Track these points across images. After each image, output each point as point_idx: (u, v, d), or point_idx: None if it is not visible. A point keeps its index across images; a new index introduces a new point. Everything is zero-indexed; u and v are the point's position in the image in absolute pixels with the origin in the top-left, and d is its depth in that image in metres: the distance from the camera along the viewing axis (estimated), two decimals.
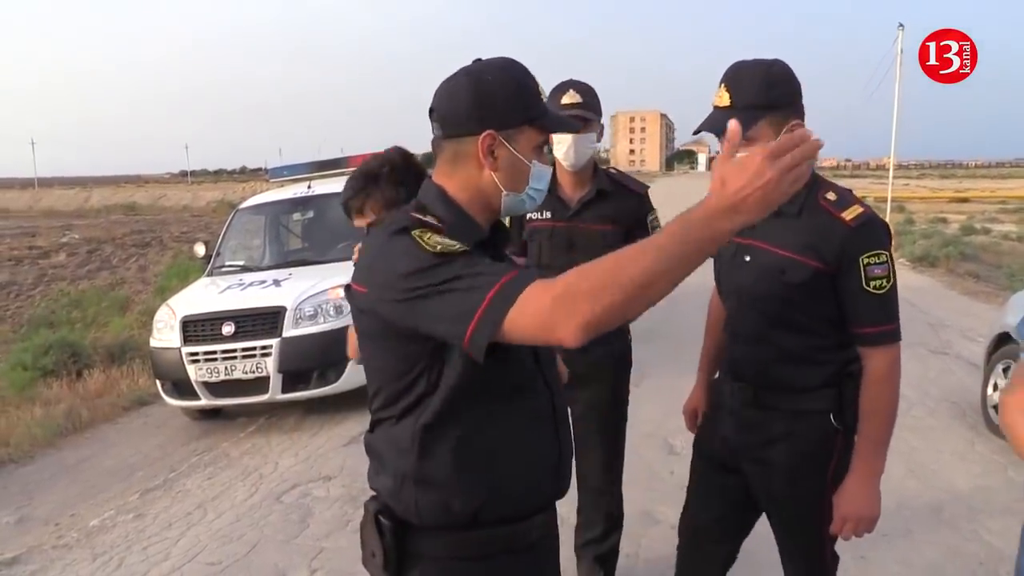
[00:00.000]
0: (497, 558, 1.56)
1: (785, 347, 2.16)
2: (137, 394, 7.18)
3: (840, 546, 3.85)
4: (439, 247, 1.38)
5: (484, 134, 1.50)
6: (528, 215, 3.19)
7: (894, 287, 2.07)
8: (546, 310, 1.25)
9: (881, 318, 2.06)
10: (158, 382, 6.40)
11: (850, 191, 2.17)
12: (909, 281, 12.53)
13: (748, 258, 2.20)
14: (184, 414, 6.56)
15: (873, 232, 2.06)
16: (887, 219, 19.07)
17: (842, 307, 2.08)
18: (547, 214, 3.10)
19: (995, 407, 5.41)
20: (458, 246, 1.40)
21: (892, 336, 2.08)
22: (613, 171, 3.17)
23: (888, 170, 22.65)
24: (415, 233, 1.42)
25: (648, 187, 3.20)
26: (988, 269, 14.16)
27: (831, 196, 2.10)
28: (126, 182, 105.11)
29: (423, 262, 1.37)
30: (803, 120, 2.12)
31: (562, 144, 2.93)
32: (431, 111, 1.57)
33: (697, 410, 2.65)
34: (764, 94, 2.04)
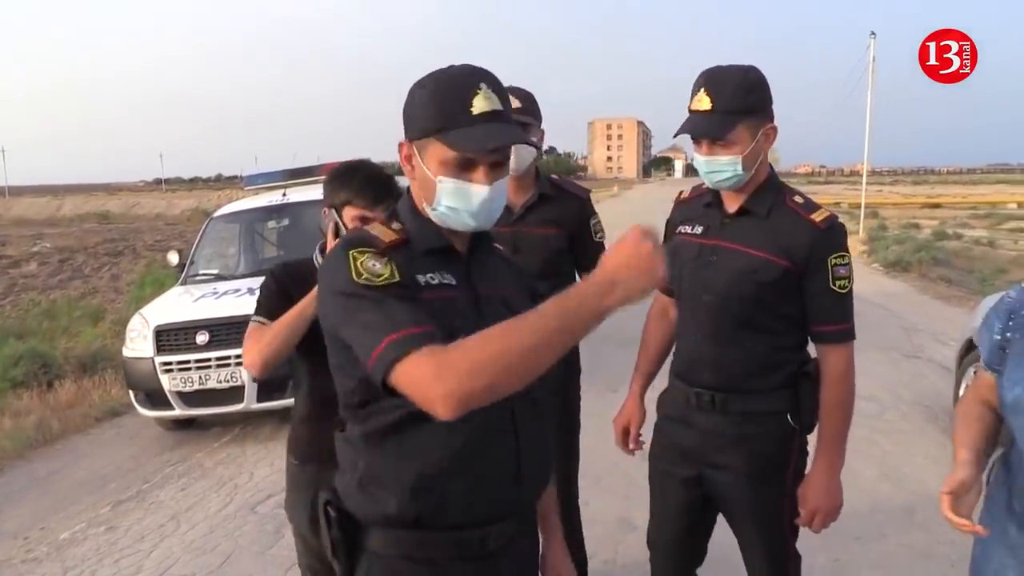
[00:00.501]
0: (446, 564, 1.53)
1: (749, 348, 2.19)
2: (109, 405, 7.09)
3: (814, 548, 3.88)
4: (363, 276, 1.41)
5: (400, 142, 1.55)
6: None
7: (852, 288, 2.17)
8: (425, 379, 1.28)
9: (841, 317, 2.15)
10: (131, 392, 6.32)
11: (811, 198, 2.25)
12: (883, 286, 12.68)
13: (715, 258, 2.22)
14: (157, 424, 6.48)
15: (839, 234, 2.15)
16: (860, 224, 19.27)
17: (806, 306, 2.15)
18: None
19: None
20: (382, 279, 1.41)
21: (850, 334, 2.18)
22: (554, 176, 3.17)
23: (862, 176, 22.93)
24: (353, 253, 1.44)
25: (590, 191, 3.21)
26: (960, 274, 14.35)
27: (798, 199, 2.18)
28: (99, 190, 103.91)
29: (347, 287, 1.41)
30: (775, 124, 2.15)
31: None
32: None
33: (630, 425, 2.59)
34: (742, 99, 2.08)
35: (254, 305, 2.52)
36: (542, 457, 1.66)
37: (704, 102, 2.10)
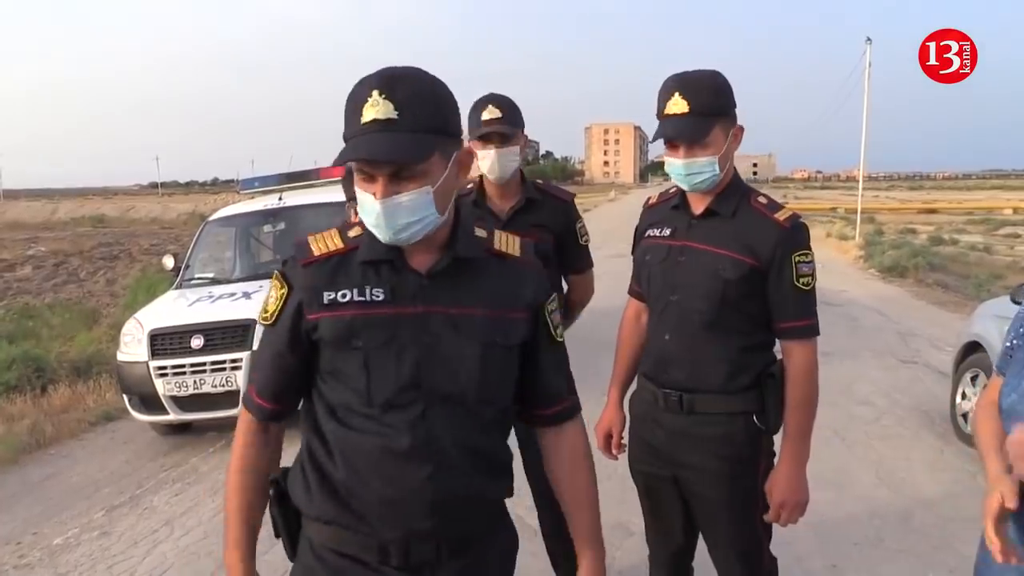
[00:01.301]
0: (376, 567, 1.52)
1: (717, 348, 2.23)
2: (104, 409, 7.05)
3: (811, 553, 3.87)
4: (263, 306, 1.60)
5: None
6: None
7: (815, 287, 2.21)
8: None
9: (805, 313, 2.19)
10: (125, 397, 6.29)
11: (774, 198, 2.32)
12: (879, 291, 12.69)
13: (683, 258, 2.27)
14: (152, 429, 6.44)
15: (802, 233, 2.20)
16: (857, 230, 19.28)
17: (770, 303, 2.19)
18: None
19: (964, 416, 5.47)
20: (268, 312, 1.57)
21: (813, 330, 2.21)
22: (539, 181, 3.22)
23: (858, 182, 22.97)
24: (275, 274, 1.59)
25: (574, 195, 3.26)
26: (956, 279, 14.37)
27: (762, 200, 2.25)
28: (94, 194, 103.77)
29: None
30: (741, 125, 2.24)
31: (486, 159, 2.96)
32: None
33: (611, 430, 2.61)
34: (715, 101, 2.16)
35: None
36: (470, 479, 1.53)
37: (680, 105, 2.14)
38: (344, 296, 1.50)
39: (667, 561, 2.57)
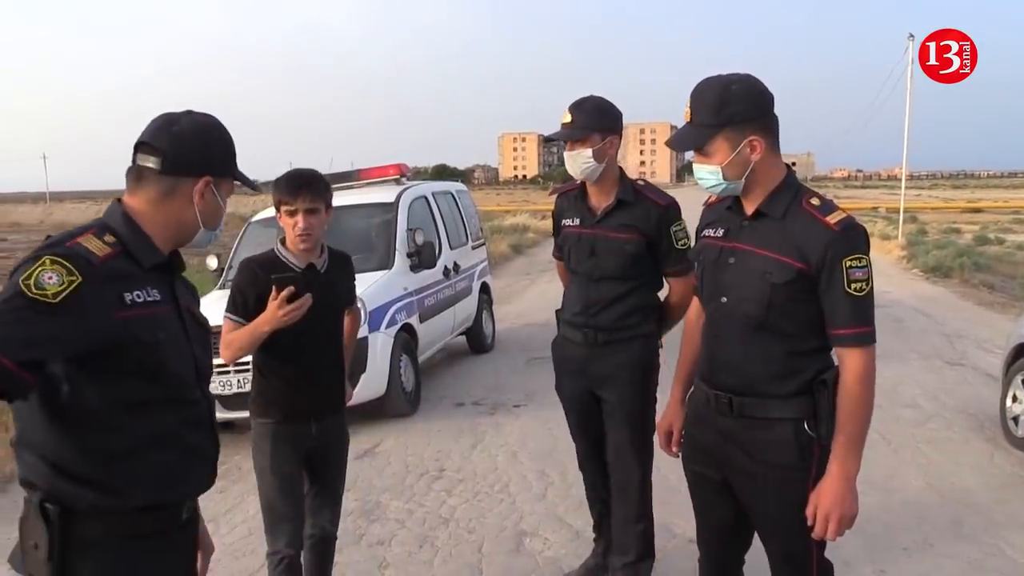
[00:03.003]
0: (154, 537, 1.76)
1: (765, 351, 2.21)
2: None
3: (860, 559, 3.81)
4: (26, 280, 1.56)
5: (204, 179, 1.80)
6: (563, 221, 3.33)
7: (872, 291, 2.12)
8: None
9: (860, 320, 2.11)
10: None
11: (832, 200, 2.25)
12: (923, 292, 12.46)
13: (732, 260, 2.26)
14: None
15: (856, 236, 2.12)
16: (899, 229, 19.00)
17: (823, 309, 2.14)
18: (576, 220, 3.30)
19: (1015, 419, 5.35)
20: (38, 292, 1.55)
21: (869, 338, 2.13)
22: (641, 182, 3.29)
23: (900, 180, 22.58)
24: (47, 259, 1.58)
25: (674, 200, 3.27)
26: (1003, 279, 14.05)
27: (815, 201, 2.18)
28: None
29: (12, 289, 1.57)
30: (765, 133, 2.17)
31: (566, 159, 3.16)
32: (143, 144, 1.78)
33: (672, 427, 2.64)
34: (716, 114, 2.14)
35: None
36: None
37: (687, 114, 2.21)
38: (139, 297, 1.71)
39: (715, 563, 2.55)
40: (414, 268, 7.18)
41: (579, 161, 3.10)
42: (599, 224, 3.21)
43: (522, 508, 4.58)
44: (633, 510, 3.33)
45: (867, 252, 2.14)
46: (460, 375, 8.04)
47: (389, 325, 6.53)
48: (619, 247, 3.15)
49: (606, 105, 3.14)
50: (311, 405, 3.03)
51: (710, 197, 2.50)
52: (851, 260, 2.08)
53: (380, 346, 6.34)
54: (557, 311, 3.49)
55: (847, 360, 2.13)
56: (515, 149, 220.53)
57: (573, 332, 3.32)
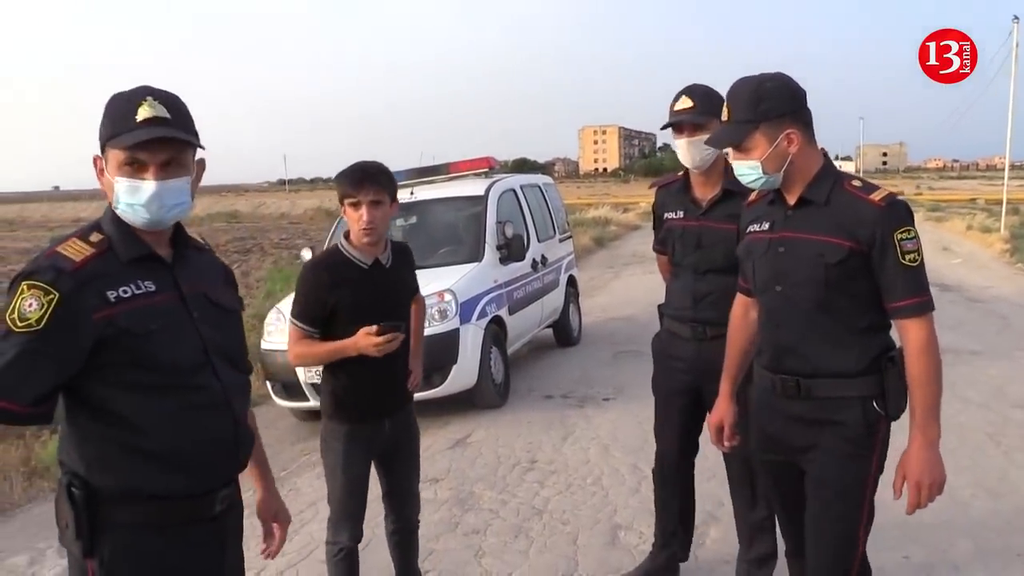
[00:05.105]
0: (182, 526, 1.81)
1: (827, 331, 2.27)
2: None
3: (970, 565, 3.67)
4: (11, 315, 1.62)
5: (94, 157, 1.79)
6: (665, 214, 3.27)
7: (923, 261, 2.21)
8: None
9: (917, 289, 2.19)
10: (268, 383, 6.59)
11: (869, 181, 2.37)
12: None
13: (783, 248, 2.34)
14: (292, 415, 6.73)
15: (902, 210, 2.23)
16: (1002, 222, 18.24)
17: (880, 285, 2.21)
18: (680, 213, 3.27)
19: None
20: (23, 324, 1.61)
21: (928, 306, 2.21)
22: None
23: (1000, 170, 21.57)
24: (24, 285, 1.63)
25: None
26: None
27: (856, 183, 2.29)
28: (227, 191, 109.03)
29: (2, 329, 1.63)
30: (801, 126, 2.27)
31: (680, 149, 3.09)
32: None
33: (724, 423, 2.73)
34: (753, 109, 2.24)
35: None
36: (247, 432, 1.98)
37: (725, 113, 2.34)
38: (126, 292, 1.74)
39: (801, 554, 2.52)
40: (503, 261, 7.23)
41: (700, 148, 3.03)
42: (704, 216, 3.18)
43: (615, 501, 4.56)
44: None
45: (913, 224, 2.23)
46: (547, 368, 8.06)
47: (480, 317, 6.59)
48: (726, 238, 3.09)
49: (715, 92, 3.07)
50: (384, 403, 3.05)
51: (749, 196, 2.59)
52: (901, 233, 2.17)
53: (471, 338, 6.41)
54: (660, 306, 3.45)
55: (911, 331, 2.20)
56: (595, 142, 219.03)
57: (680, 327, 3.29)
